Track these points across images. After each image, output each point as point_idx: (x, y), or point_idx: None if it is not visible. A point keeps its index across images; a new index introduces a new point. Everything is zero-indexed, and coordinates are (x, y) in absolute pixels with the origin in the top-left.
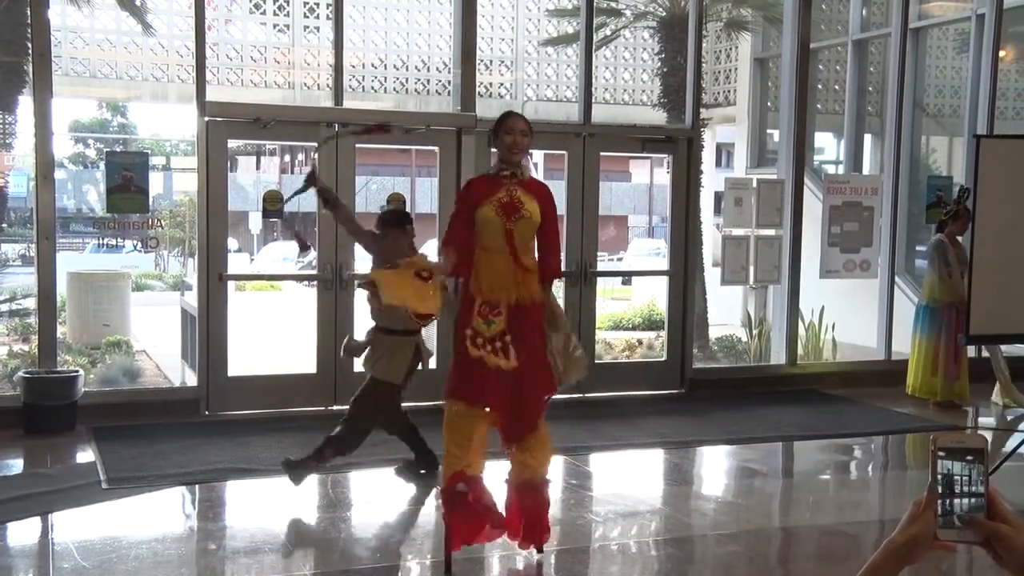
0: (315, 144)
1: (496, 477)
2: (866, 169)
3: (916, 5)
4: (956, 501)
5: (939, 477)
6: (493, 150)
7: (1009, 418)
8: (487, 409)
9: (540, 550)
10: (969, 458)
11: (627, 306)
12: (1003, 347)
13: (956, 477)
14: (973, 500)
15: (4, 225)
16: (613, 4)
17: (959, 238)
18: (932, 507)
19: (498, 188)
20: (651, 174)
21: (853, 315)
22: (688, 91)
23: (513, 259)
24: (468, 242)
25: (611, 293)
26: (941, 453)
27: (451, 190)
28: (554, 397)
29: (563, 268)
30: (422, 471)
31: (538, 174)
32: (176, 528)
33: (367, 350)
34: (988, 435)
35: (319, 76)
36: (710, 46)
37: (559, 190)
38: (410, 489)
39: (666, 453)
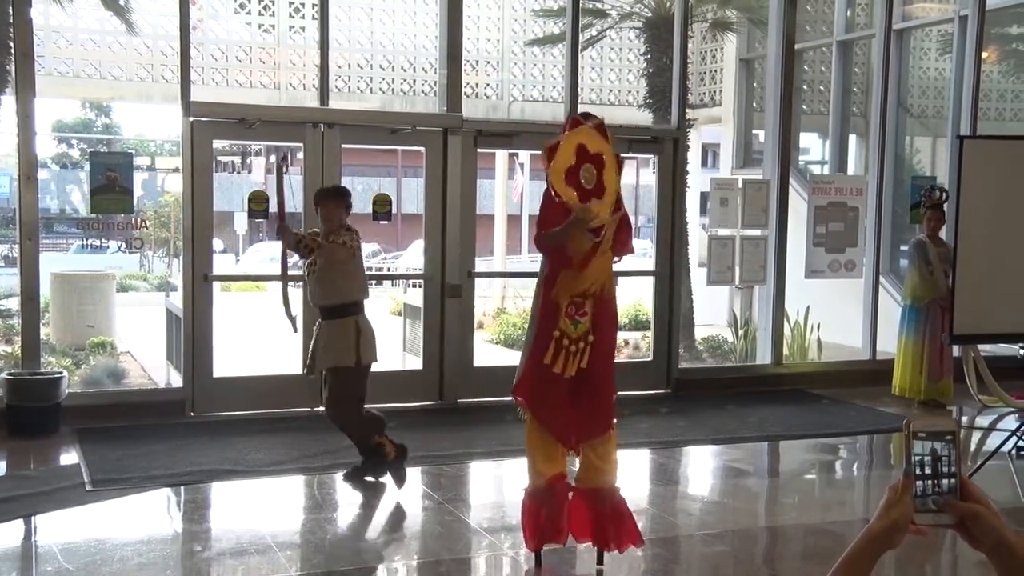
0: (300, 145)
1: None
2: (851, 169)
3: (900, 7)
4: (931, 483)
5: (914, 461)
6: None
7: (992, 417)
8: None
9: (621, 551)
10: (942, 441)
11: None
12: (987, 346)
13: (930, 460)
14: (947, 482)
15: None
16: (599, 5)
17: (942, 236)
18: (909, 492)
19: None
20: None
21: (838, 315)
22: (674, 91)
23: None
24: None
25: None
26: (915, 436)
27: (437, 190)
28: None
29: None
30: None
31: (524, 175)
32: (161, 530)
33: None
34: (976, 434)
35: (305, 76)
36: (695, 47)
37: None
38: (397, 490)
39: (652, 453)
